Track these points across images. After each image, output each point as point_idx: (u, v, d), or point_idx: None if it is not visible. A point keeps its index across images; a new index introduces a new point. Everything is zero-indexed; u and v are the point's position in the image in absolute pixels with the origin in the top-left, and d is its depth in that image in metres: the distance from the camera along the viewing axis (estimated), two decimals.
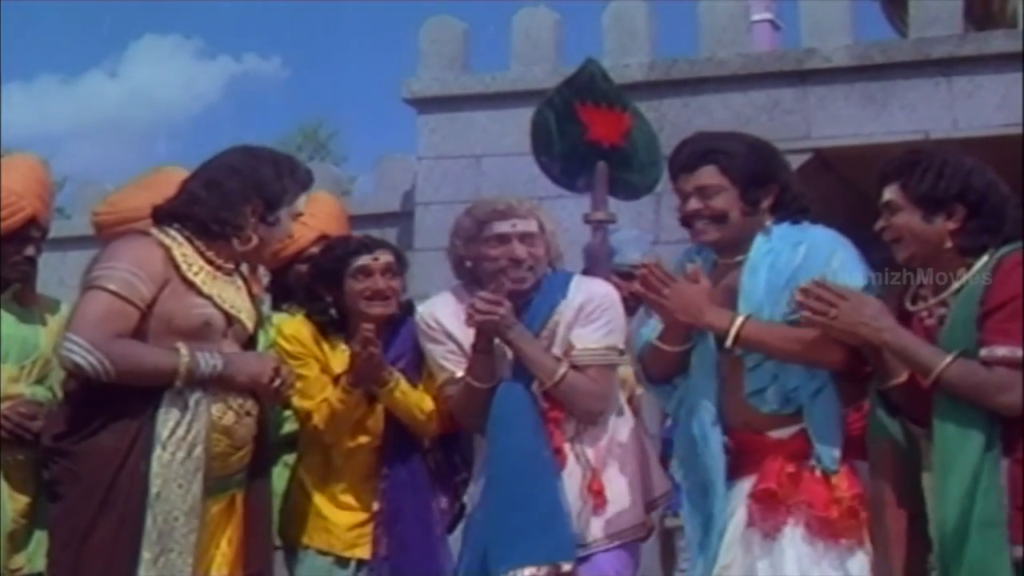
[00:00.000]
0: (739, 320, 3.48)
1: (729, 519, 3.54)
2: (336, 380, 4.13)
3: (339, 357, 4.18)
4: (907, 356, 3.34)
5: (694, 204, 3.60)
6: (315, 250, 4.57)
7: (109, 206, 4.57)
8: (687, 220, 3.64)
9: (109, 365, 3.47)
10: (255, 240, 3.72)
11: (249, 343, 3.83)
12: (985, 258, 3.38)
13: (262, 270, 4.09)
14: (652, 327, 3.74)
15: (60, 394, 3.97)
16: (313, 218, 4.69)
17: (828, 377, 3.51)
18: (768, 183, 3.59)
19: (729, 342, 3.49)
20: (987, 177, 3.44)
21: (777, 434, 3.54)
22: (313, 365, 4.17)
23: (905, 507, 3.45)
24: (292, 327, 4.23)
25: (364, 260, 4.20)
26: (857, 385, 3.54)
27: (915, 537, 3.43)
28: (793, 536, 3.44)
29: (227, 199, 3.69)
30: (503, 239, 3.98)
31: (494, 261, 3.98)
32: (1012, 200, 3.45)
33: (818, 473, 3.49)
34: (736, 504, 3.55)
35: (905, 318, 3.45)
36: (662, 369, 3.73)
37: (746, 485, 3.54)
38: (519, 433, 3.91)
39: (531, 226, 4.02)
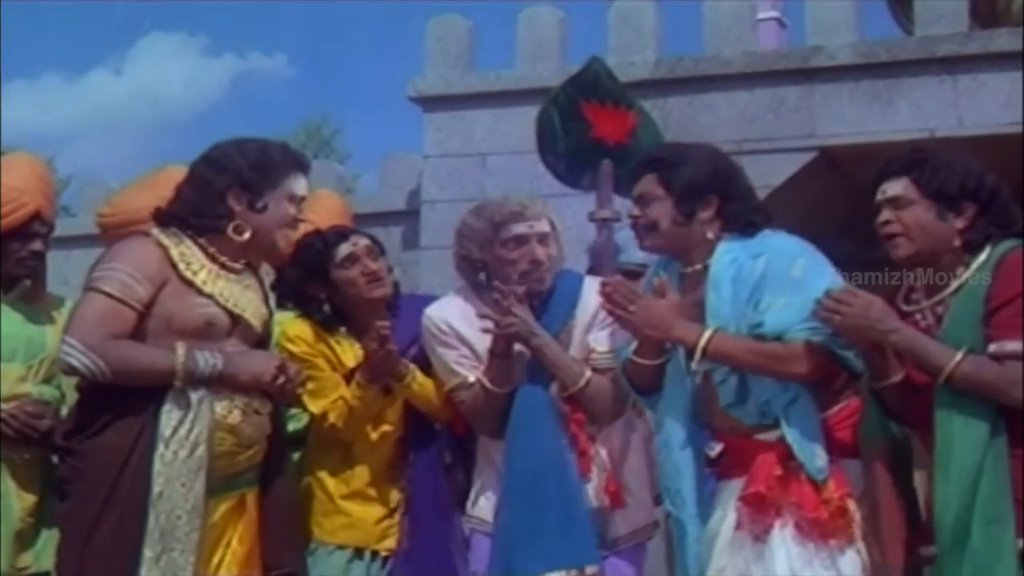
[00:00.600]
0: (707, 334, 3.50)
1: (720, 522, 3.55)
2: (347, 376, 4.13)
3: (347, 351, 4.18)
4: (915, 355, 3.35)
5: (633, 211, 3.70)
6: None
7: (112, 207, 4.59)
8: (632, 228, 3.74)
9: (104, 366, 3.49)
10: (247, 231, 3.70)
11: (261, 343, 3.83)
12: (983, 256, 3.40)
13: (266, 268, 4.09)
14: (630, 341, 3.75)
15: (70, 393, 3.97)
16: (317, 216, 4.69)
17: (801, 387, 3.52)
18: (706, 195, 3.61)
19: (697, 356, 3.51)
20: (993, 176, 3.46)
21: (765, 437, 3.54)
22: (323, 364, 4.16)
23: (902, 504, 3.47)
24: (295, 328, 4.22)
25: (346, 248, 4.21)
26: (830, 392, 3.55)
27: (908, 534, 3.46)
28: (783, 537, 3.44)
29: (206, 192, 3.69)
30: (521, 240, 3.97)
31: (513, 264, 3.96)
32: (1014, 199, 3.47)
33: (805, 475, 3.49)
34: (727, 506, 3.56)
35: (900, 318, 3.44)
36: (643, 381, 3.75)
37: (736, 486, 3.55)
38: (541, 436, 3.90)
39: (546, 226, 4.02)
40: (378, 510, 4.17)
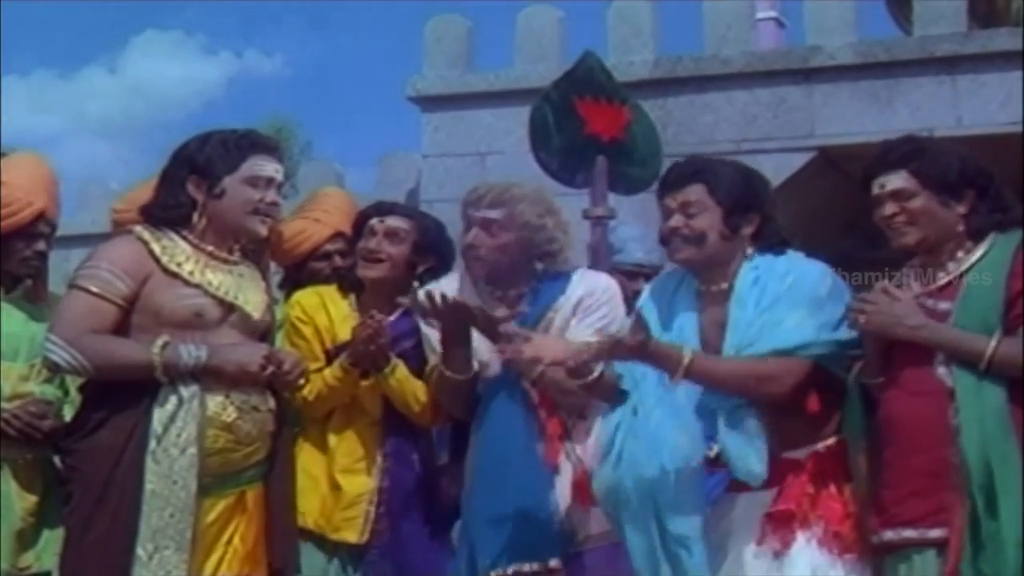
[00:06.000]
0: (687, 358, 3.42)
1: (728, 537, 3.52)
2: (328, 352, 4.17)
3: (346, 323, 4.20)
4: (947, 347, 3.35)
5: (676, 221, 3.57)
6: (330, 247, 4.61)
7: (128, 203, 4.57)
8: (666, 238, 3.61)
9: (84, 361, 3.53)
10: (203, 219, 3.71)
11: (266, 333, 3.83)
12: (986, 244, 3.42)
13: (273, 267, 4.11)
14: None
15: (74, 393, 3.98)
16: (327, 215, 4.71)
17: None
18: (751, 211, 3.58)
19: (679, 375, 3.43)
20: (984, 161, 3.50)
21: (793, 454, 3.50)
22: (309, 334, 4.22)
23: None
24: (301, 294, 4.32)
25: (372, 221, 4.27)
26: (807, 425, 3.49)
27: None
28: (807, 547, 3.42)
29: (169, 185, 3.74)
30: (468, 224, 4.04)
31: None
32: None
33: (833, 489, 3.47)
34: (736, 517, 3.53)
35: None
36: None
37: (748, 500, 3.52)
38: (507, 427, 3.92)
39: (493, 214, 4.00)
40: (338, 498, 4.15)
